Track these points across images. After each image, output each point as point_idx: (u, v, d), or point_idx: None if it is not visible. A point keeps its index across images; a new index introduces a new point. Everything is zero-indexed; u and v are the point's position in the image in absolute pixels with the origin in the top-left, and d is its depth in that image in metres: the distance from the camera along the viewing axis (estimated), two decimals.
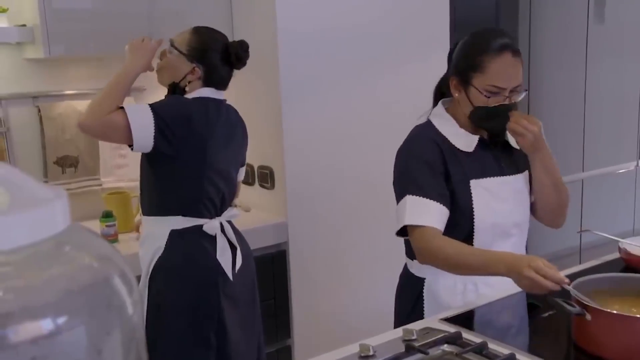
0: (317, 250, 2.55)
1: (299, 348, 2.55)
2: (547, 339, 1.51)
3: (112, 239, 2.20)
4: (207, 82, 2.01)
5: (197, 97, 1.97)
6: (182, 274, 1.92)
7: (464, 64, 1.66)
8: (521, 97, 1.67)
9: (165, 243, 1.92)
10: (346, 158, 2.57)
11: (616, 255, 1.94)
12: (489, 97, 1.63)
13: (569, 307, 1.35)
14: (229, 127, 2.05)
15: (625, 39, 3.72)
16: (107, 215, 2.22)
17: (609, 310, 1.30)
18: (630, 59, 3.78)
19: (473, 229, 1.67)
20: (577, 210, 3.38)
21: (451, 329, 1.43)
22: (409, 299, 1.78)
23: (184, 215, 1.93)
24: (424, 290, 1.74)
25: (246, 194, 2.64)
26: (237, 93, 2.61)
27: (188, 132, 1.90)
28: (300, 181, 2.45)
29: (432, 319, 1.53)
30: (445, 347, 1.36)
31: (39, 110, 2.43)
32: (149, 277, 1.93)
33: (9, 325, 0.40)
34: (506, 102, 1.64)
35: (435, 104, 1.83)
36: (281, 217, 2.45)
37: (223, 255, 1.96)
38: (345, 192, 2.58)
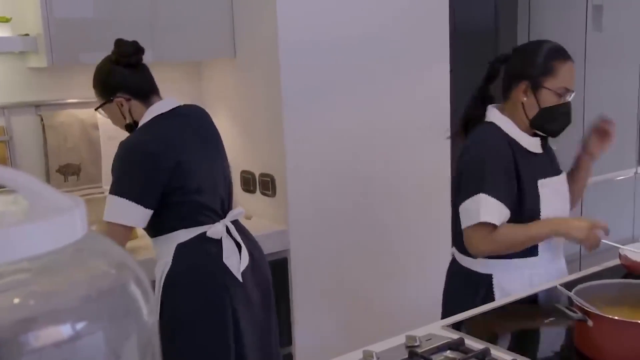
0: (319, 258, 2.55)
1: (301, 356, 2.55)
2: (549, 345, 1.52)
3: None
4: (142, 99, 1.97)
5: (153, 119, 1.94)
6: (190, 283, 1.91)
7: (535, 69, 1.84)
8: (571, 98, 1.87)
9: (172, 258, 1.91)
10: (348, 166, 2.58)
11: (617, 261, 1.95)
12: (558, 98, 1.83)
13: (570, 313, 1.36)
14: (196, 129, 2.00)
15: (624, 47, 3.74)
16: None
17: (610, 317, 1.31)
18: (629, 66, 3.81)
19: None
20: (576, 216, 3.38)
21: (454, 335, 1.44)
22: (476, 297, 1.85)
23: (185, 227, 1.92)
24: (493, 287, 1.85)
25: (247, 202, 2.65)
26: (239, 101, 2.63)
27: (162, 170, 1.86)
28: (301, 189, 2.46)
29: (435, 325, 1.54)
30: (448, 354, 1.37)
31: (42, 119, 2.44)
32: (160, 294, 1.92)
33: (32, 329, 0.41)
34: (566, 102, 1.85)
35: (475, 111, 1.95)
36: (282, 225, 2.46)
37: (230, 258, 1.94)
38: (347, 200, 2.60)
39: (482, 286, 1.86)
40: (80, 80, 2.53)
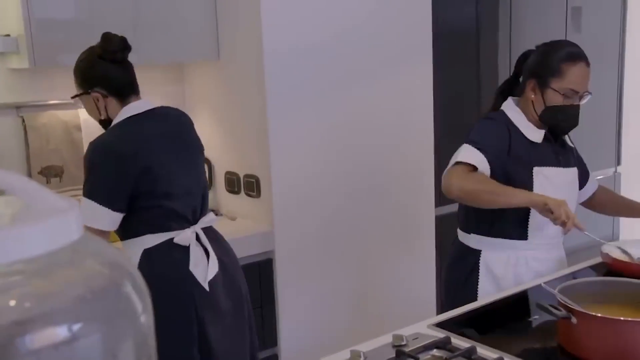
0: (304, 259, 2.56)
1: (286, 357, 2.55)
2: (534, 342, 1.54)
3: None
4: (119, 98, 1.93)
5: (127, 119, 1.90)
6: (155, 290, 1.86)
7: (544, 69, 1.93)
8: (586, 100, 1.96)
9: (137, 264, 1.85)
10: (332, 166, 2.59)
11: (598, 259, 1.98)
12: (564, 99, 1.90)
13: (555, 311, 1.38)
14: (172, 132, 1.96)
15: (602, 48, 3.79)
16: None
17: (593, 314, 1.33)
18: (607, 66, 3.86)
19: (529, 211, 1.91)
20: None
21: (440, 334, 1.45)
22: (463, 270, 2.01)
23: (152, 232, 1.87)
24: (479, 261, 1.98)
25: (232, 203, 2.64)
26: (223, 103, 2.62)
27: (130, 173, 1.82)
28: (286, 190, 2.46)
29: (421, 324, 1.55)
30: (435, 352, 1.38)
31: (23, 120, 2.41)
32: None
33: (29, 331, 0.41)
34: (574, 104, 1.93)
35: (497, 101, 2.08)
36: (267, 226, 2.46)
37: (197, 266, 1.88)
38: (332, 200, 2.60)
39: (471, 260, 2.00)
40: (62, 81, 2.50)
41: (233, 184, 2.62)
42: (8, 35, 2.23)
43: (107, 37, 1.91)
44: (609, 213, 2.31)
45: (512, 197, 1.82)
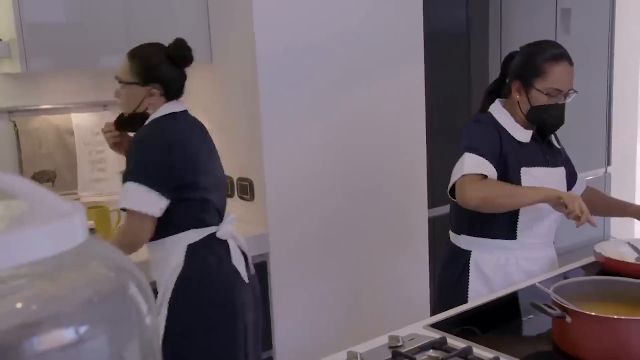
0: (298, 261, 2.56)
1: (282, 359, 2.55)
2: (529, 342, 1.55)
3: None
4: (168, 96, 1.99)
5: (167, 115, 1.96)
6: (204, 285, 1.90)
7: (527, 70, 1.95)
8: (571, 98, 1.98)
9: (183, 260, 1.89)
10: (326, 168, 2.59)
11: (592, 259, 2.00)
12: (548, 98, 1.92)
13: (549, 310, 1.39)
14: (200, 132, 2.06)
15: (591, 49, 3.82)
16: (89, 228, 2.20)
17: (588, 313, 1.34)
18: (596, 68, 3.89)
19: (518, 211, 1.93)
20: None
21: (436, 334, 1.46)
22: (455, 271, 2.03)
23: (196, 227, 1.92)
24: (470, 262, 2.00)
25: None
26: (216, 105, 2.62)
27: (178, 162, 1.88)
28: (280, 192, 2.47)
29: (417, 325, 1.56)
30: (431, 353, 1.38)
31: (15, 125, 2.40)
32: (170, 297, 1.88)
33: (35, 334, 0.41)
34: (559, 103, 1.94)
35: (484, 103, 2.10)
36: (261, 229, 2.46)
37: (237, 259, 1.98)
38: (325, 203, 2.61)
39: (462, 261, 2.02)
40: (55, 85, 2.50)
41: (226, 187, 2.62)
42: (0, 39, 2.23)
43: (180, 42, 1.99)
44: (597, 213, 2.31)
45: (527, 197, 1.84)
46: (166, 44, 2.44)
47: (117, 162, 2.54)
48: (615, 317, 1.33)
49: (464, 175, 1.87)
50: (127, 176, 1.86)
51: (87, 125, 2.50)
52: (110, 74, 2.60)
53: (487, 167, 1.88)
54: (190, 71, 2.73)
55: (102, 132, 2.10)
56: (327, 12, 2.52)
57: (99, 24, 2.27)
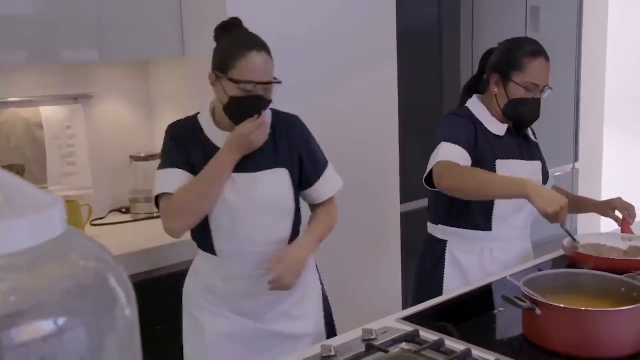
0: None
1: None
2: (500, 334, 1.58)
3: None
4: None
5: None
6: None
7: (506, 64, 2.00)
8: (546, 94, 2.03)
9: None
10: None
11: (560, 252, 2.04)
12: (525, 92, 1.97)
13: (520, 303, 1.42)
14: None
15: (559, 46, 3.89)
16: None
17: (556, 304, 1.37)
18: (564, 64, 3.96)
19: (493, 202, 1.98)
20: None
21: (409, 327, 1.48)
22: (431, 260, 2.07)
23: None
24: (445, 252, 2.05)
25: None
26: (188, 100, 2.60)
27: None
28: None
29: (390, 318, 1.57)
30: (404, 345, 1.40)
31: None
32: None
33: (17, 324, 0.41)
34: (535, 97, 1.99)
35: (462, 99, 2.15)
36: None
37: None
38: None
39: (438, 250, 2.07)
40: (24, 78, 2.46)
41: None
42: None
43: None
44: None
45: (500, 190, 1.82)
46: (139, 36, 2.42)
47: (87, 156, 2.51)
48: (583, 308, 1.36)
49: (439, 162, 1.89)
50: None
51: (57, 118, 2.46)
52: (80, 67, 2.57)
53: (462, 155, 1.91)
54: (162, 66, 2.71)
55: (255, 131, 1.72)
56: (299, 10, 2.52)
57: (69, 16, 2.24)
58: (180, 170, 1.74)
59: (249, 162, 1.73)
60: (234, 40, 1.73)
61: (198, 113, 1.86)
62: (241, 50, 1.68)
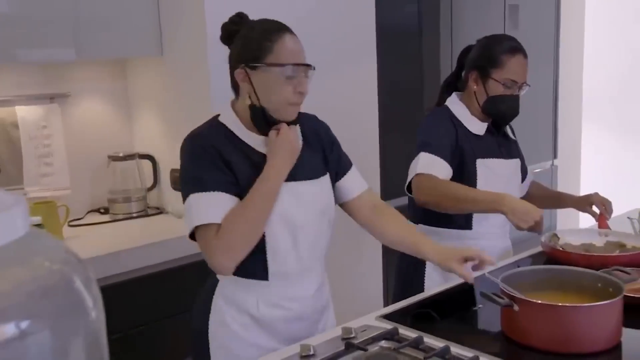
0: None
1: None
2: (479, 330, 1.58)
3: None
4: None
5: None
6: None
7: (485, 61, 2.01)
8: (524, 92, 2.04)
9: None
10: None
11: (539, 249, 2.05)
12: (504, 89, 1.98)
13: (498, 299, 1.42)
14: None
15: (538, 43, 3.92)
16: (35, 224, 2.13)
17: (534, 301, 1.38)
18: (543, 61, 3.99)
19: None
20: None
21: (388, 325, 1.48)
22: (412, 259, 1.99)
23: None
24: None
25: (178, 200, 2.61)
26: (166, 100, 2.58)
27: None
28: None
29: (370, 317, 1.57)
30: (383, 343, 1.40)
31: None
32: None
33: None
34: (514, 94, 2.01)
35: (441, 97, 2.15)
36: None
37: None
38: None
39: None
40: None
41: (178, 181, 2.58)
42: None
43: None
44: (539, 206, 2.37)
45: (475, 205, 1.86)
46: (116, 35, 2.40)
47: (64, 156, 2.48)
48: (561, 304, 1.37)
49: (417, 175, 1.91)
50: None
51: (33, 118, 2.43)
52: (57, 66, 2.54)
53: (440, 166, 1.92)
54: (140, 65, 2.69)
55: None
56: (278, 8, 2.51)
57: (45, 15, 2.21)
58: (224, 194, 1.48)
59: (297, 169, 1.56)
60: (259, 27, 1.56)
61: (217, 116, 1.63)
62: (276, 32, 1.53)
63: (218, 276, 1.59)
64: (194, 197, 1.48)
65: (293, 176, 1.55)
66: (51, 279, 0.46)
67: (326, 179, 1.65)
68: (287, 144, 1.52)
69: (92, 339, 0.47)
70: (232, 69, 1.57)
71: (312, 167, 1.61)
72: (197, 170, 1.51)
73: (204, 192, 1.48)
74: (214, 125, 1.59)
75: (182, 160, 1.57)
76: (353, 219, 1.78)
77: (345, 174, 1.74)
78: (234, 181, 1.50)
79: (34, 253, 0.46)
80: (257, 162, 1.53)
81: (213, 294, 1.59)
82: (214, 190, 1.47)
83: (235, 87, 1.59)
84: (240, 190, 1.50)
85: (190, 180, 1.52)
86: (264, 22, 1.59)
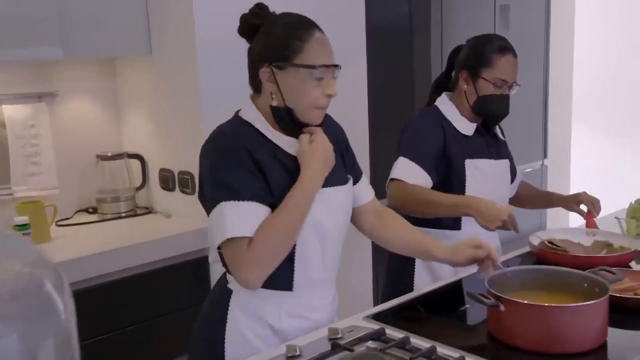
0: None
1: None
2: (466, 331, 1.58)
3: None
4: None
5: None
6: None
7: (475, 60, 2.01)
8: (514, 91, 2.05)
9: None
10: None
11: (527, 249, 2.05)
12: (495, 88, 1.98)
13: (484, 300, 1.42)
14: None
15: (529, 44, 3.92)
16: (23, 224, 2.11)
17: (520, 301, 1.38)
18: (533, 62, 4.00)
19: None
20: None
21: (375, 325, 1.48)
22: (401, 260, 2.03)
23: None
24: None
25: (167, 200, 2.60)
26: (156, 99, 2.57)
27: None
28: None
29: (356, 317, 1.57)
30: (370, 344, 1.40)
31: None
32: None
33: None
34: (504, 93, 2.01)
35: (431, 97, 2.12)
36: (202, 223, 2.42)
37: None
38: None
39: None
40: None
41: (167, 181, 2.58)
42: None
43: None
44: (528, 206, 2.41)
45: (444, 204, 1.88)
46: (105, 34, 2.38)
47: (52, 155, 2.46)
48: (546, 304, 1.37)
49: (391, 179, 1.95)
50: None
51: (20, 117, 2.41)
52: (44, 65, 2.52)
53: (417, 174, 1.94)
54: (129, 64, 2.68)
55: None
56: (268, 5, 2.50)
57: (32, 11, 2.19)
58: (258, 204, 1.39)
59: (328, 175, 1.50)
60: (285, 22, 1.47)
61: (238, 112, 1.56)
62: (305, 30, 1.45)
63: (230, 285, 1.52)
64: (227, 206, 1.38)
65: (323, 182, 1.48)
66: (20, 282, 0.45)
67: (350, 184, 1.59)
68: (322, 152, 1.44)
69: (63, 341, 0.47)
70: (254, 65, 1.49)
71: (338, 172, 1.54)
72: (229, 175, 1.40)
73: (238, 202, 1.38)
74: (240, 123, 1.50)
75: (209, 161, 1.45)
76: (355, 225, 1.71)
77: (359, 180, 1.68)
78: (267, 188, 1.41)
79: (4, 256, 0.45)
80: (287, 164, 1.46)
81: (228, 304, 1.50)
82: (248, 200, 1.38)
83: (255, 83, 1.51)
84: (272, 197, 1.41)
85: (221, 185, 1.40)
86: (289, 15, 1.50)
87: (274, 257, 1.40)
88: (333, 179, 1.51)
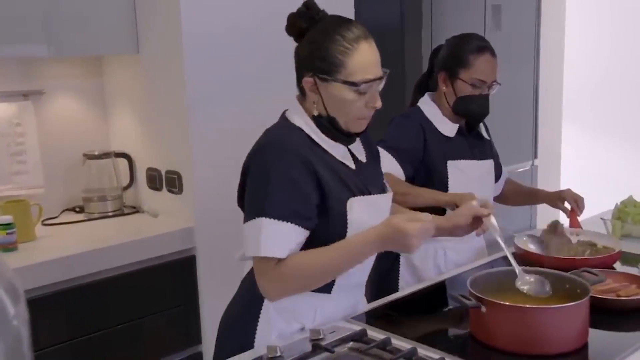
0: (226, 255, 2.53)
1: (211, 354, 2.52)
2: (448, 332, 1.58)
3: (12, 247, 2.10)
4: None
5: None
6: None
7: (453, 61, 2.00)
8: (495, 90, 2.03)
9: None
10: None
11: (512, 250, 2.05)
12: (473, 89, 1.97)
13: (465, 301, 1.42)
14: None
15: (520, 45, 3.92)
16: (7, 223, 2.10)
17: (501, 302, 1.38)
18: (525, 63, 4.00)
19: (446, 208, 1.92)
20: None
21: (356, 326, 1.47)
22: (387, 261, 2.04)
23: None
24: (400, 255, 2.03)
25: (154, 199, 2.59)
26: (143, 97, 2.56)
27: None
28: (208, 185, 2.43)
29: (339, 319, 1.56)
30: (351, 345, 1.40)
31: None
32: None
33: None
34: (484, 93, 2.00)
35: (414, 97, 2.14)
36: (189, 222, 2.42)
37: None
38: None
39: (393, 252, 1.96)
40: None
41: (154, 180, 2.57)
42: None
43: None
44: (514, 203, 2.40)
45: (425, 199, 1.89)
46: (91, 32, 2.37)
47: (38, 154, 2.45)
48: (528, 306, 1.37)
49: None
50: None
51: (5, 115, 2.40)
52: (31, 63, 2.50)
53: (392, 167, 1.94)
54: (116, 63, 2.66)
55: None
56: (256, 6, 2.49)
57: (17, 8, 2.18)
58: (298, 228, 1.37)
59: (374, 181, 1.52)
60: (333, 31, 1.43)
61: (285, 112, 1.53)
62: (351, 43, 1.41)
63: None
64: (265, 224, 1.36)
65: (371, 189, 1.48)
66: None
67: (391, 192, 1.57)
68: (414, 240, 1.37)
69: (15, 348, 0.46)
70: (299, 70, 1.48)
71: (381, 179, 1.56)
72: (276, 190, 1.37)
73: (278, 221, 1.35)
74: (291, 128, 1.46)
75: (263, 171, 1.40)
76: None
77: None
78: (313, 207, 1.39)
79: None
80: (342, 174, 1.43)
81: (262, 303, 1.48)
82: (290, 222, 1.36)
83: (300, 87, 1.50)
84: (327, 208, 1.39)
85: (264, 199, 1.37)
86: (339, 23, 1.46)
87: (299, 289, 1.44)
88: (377, 186, 1.52)
